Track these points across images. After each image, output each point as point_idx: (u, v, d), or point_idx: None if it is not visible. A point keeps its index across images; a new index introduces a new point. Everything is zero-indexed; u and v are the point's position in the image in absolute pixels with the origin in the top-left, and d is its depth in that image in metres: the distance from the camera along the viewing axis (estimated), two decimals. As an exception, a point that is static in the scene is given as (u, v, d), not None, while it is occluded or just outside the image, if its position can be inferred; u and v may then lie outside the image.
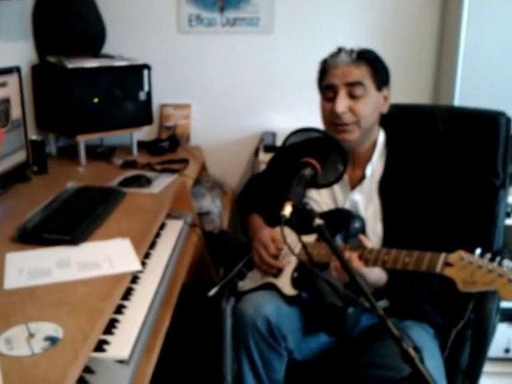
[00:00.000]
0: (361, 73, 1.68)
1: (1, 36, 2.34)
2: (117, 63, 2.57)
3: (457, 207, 1.75)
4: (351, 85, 1.67)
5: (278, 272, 1.75)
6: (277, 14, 2.86)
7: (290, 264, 1.74)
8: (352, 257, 1.50)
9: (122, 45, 2.85)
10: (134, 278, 1.62)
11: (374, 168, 1.77)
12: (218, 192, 2.71)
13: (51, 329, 1.16)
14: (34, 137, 2.32)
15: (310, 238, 1.72)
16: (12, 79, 2.10)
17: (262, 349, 1.64)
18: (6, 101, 2.05)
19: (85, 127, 2.49)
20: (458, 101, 2.50)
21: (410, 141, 1.83)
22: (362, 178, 1.77)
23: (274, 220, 1.80)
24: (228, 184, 2.99)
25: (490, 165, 1.85)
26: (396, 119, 1.91)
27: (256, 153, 2.91)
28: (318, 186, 1.42)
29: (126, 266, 1.49)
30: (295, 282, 1.69)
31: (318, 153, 1.36)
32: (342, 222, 1.68)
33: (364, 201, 1.76)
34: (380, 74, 1.72)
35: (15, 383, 1.00)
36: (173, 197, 2.12)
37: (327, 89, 1.72)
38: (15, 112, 2.12)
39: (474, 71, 2.45)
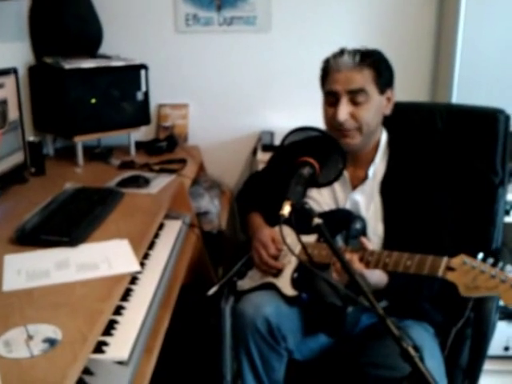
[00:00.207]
0: (363, 78, 1.66)
1: (-3, 37, 2.34)
2: (114, 63, 2.57)
3: (456, 205, 1.74)
4: (353, 92, 1.66)
5: (277, 272, 1.75)
6: (274, 13, 2.86)
7: (290, 264, 1.73)
8: (353, 259, 1.49)
9: (119, 45, 2.84)
10: (133, 279, 1.61)
11: (376, 168, 1.76)
12: (216, 192, 2.71)
13: (50, 330, 1.16)
14: (31, 138, 2.32)
15: (310, 238, 1.72)
16: (9, 80, 2.09)
17: (262, 349, 1.64)
18: (3, 102, 2.04)
19: (82, 128, 2.48)
20: (456, 98, 2.49)
21: (410, 140, 1.83)
22: (364, 178, 1.77)
23: (274, 219, 1.79)
24: (226, 184, 2.98)
25: (488, 162, 1.85)
26: (395, 117, 1.91)
27: (254, 152, 2.91)
28: (317, 185, 1.42)
29: (124, 267, 1.49)
30: (295, 283, 1.69)
31: (317, 152, 1.36)
32: (343, 222, 1.67)
33: (365, 201, 1.76)
34: (383, 76, 1.70)
35: (14, 385, 1.00)
36: (171, 197, 2.12)
37: (329, 94, 1.72)
38: (12, 113, 2.11)
39: (472, 68, 2.45)
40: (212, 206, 2.54)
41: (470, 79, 2.46)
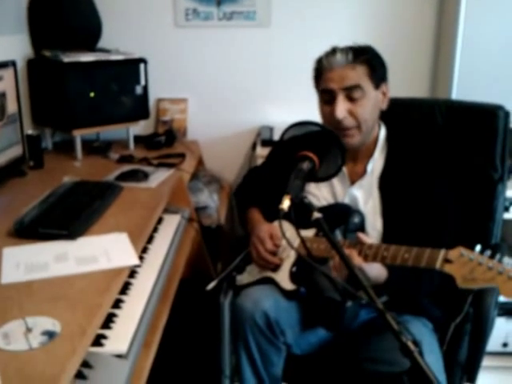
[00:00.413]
0: (357, 75, 1.65)
1: (-4, 30, 2.33)
2: (113, 57, 2.56)
3: (455, 201, 1.74)
4: (349, 88, 1.65)
5: (276, 267, 1.75)
6: (274, 8, 2.85)
7: (288, 258, 1.73)
8: (352, 253, 1.49)
9: (119, 39, 2.83)
10: (132, 273, 1.61)
11: (375, 163, 1.76)
12: (215, 186, 2.71)
13: (49, 323, 1.16)
14: (29, 131, 2.31)
15: (308, 233, 1.72)
16: (7, 73, 2.09)
17: (261, 343, 1.64)
18: (2, 95, 2.04)
19: (81, 122, 2.48)
20: (456, 94, 2.49)
21: (409, 136, 1.83)
22: (363, 173, 1.76)
23: (273, 214, 1.79)
24: (225, 178, 2.98)
25: (488, 159, 1.85)
26: (395, 113, 1.91)
27: (253, 147, 2.90)
28: (316, 180, 1.41)
29: (123, 261, 1.49)
30: (294, 277, 1.69)
31: (316, 146, 1.36)
32: (342, 216, 1.67)
33: (363, 196, 1.76)
34: (377, 71, 1.69)
35: (13, 378, 1.00)
36: (170, 191, 2.12)
37: (324, 92, 1.71)
38: (11, 106, 2.11)
39: (472, 65, 2.45)
40: (211, 200, 2.54)
41: (469, 75, 2.46)
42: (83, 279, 1.37)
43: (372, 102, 1.69)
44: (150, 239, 1.89)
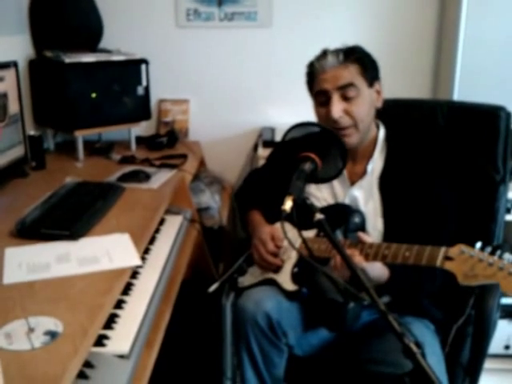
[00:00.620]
0: (350, 74, 1.66)
1: (-2, 30, 2.33)
2: (114, 58, 2.56)
3: (457, 202, 1.74)
4: (343, 88, 1.66)
5: (277, 268, 1.75)
6: (275, 8, 2.85)
7: (290, 259, 1.73)
8: (353, 253, 1.49)
9: (120, 39, 2.83)
10: (134, 273, 1.61)
11: (374, 164, 1.76)
12: (217, 187, 2.71)
13: (51, 323, 1.16)
14: (31, 132, 2.31)
15: (309, 234, 1.72)
16: (9, 74, 2.09)
17: (263, 344, 1.63)
18: (4, 95, 2.04)
19: (83, 122, 2.48)
20: (458, 95, 2.49)
21: (410, 136, 1.83)
22: (362, 173, 1.76)
23: (274, 216, 1.79)
24: (227, 179, 2.98)
25: (490, 160, 1.85)
26: (396, 114, 1.91)
27: (255, 148, 2.90)
28: (318, 181, 1.41)
29: (125, 261, 1.49)
30: (295, 278, 1.69)
31: (318, 147, 1.36)
32: (342, 216, 1.67)
33: (364, 196, 1.76)
34: (370, 70, 1.70)
35: (15, 378, 1.00)
36: (172, 192, 2.11)
37: (319, 94, 1.71)
38: (13, 107, 2.11)
39: (474, 65, 2.45)
40: (213, 201, 2.54)
41: (471, 76, 2.46)
42: (85, 280, 1.37)
43: (367, 100, 1.69)
44: (152, 240, 1.89)
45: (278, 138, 2.64)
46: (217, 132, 3.00)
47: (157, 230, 1.97)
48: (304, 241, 1.36)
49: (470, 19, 2.41)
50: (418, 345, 1.02)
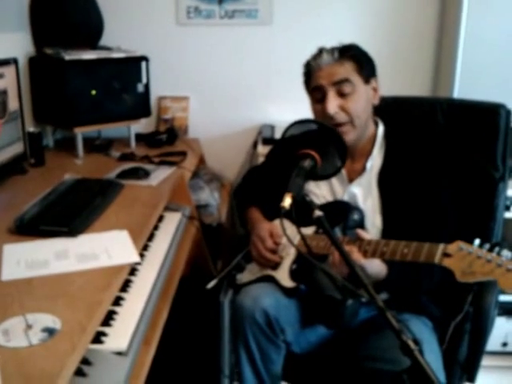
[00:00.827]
0: (346, 70, 1.67)
1: (-2, 27, 2.33)
2: (115, 55, 2.56)
3: (456, 200, 1.74)
4: (338, 83, 1.66)
5: (276, 265, 1.75)
6: (275, 6, 2.85)
7: (288, 256, 1.73)
8: (351, 249, 1.49)
9: (120, 37, 2.83)
10: (132, 270, 1.61)
11: (373, 161, 1.76)
12: (216, 185, 2.71)
13: (49, 320, 1.16)
14: (31, 129, 2.31)
15: (308, 231, 1.72)
16: (9, 71, 2.09)
17: (260, 341, 1.63)
18: (3, 92, 2.04)
19: (82, 119, 2.48)
20: (458, 93, 2.49)
21: (409, 133, 1.83)
22: (361, 171, 1.76)
23: (273, 213, 1.79)
24: (226, 176, 2.99)
25: (489, 157, 1.85)
26: (396, 112, 1.91)
27: (254, 145, 2.90)
28: (317, 178, 1.42)
29: (124, 258, 1.49)
30: (294, 274, 1.69)
31: (318, 144, 1.36)
32: (341, 213, 1.67)
33: (363, 193, 1.75)
34: (365, 67, 1.70)
35: (13, 374, 1.00)
36: (171, 189, 2.12)
37: (315, 90, 1.72)
38: (12, 104, 2.11)
39: (474, 63, 2.44)
40: (212, 198, 2.54)
41: (471, 74, 2.45)
42: (83, 276, 1.37)
43: (363, 96, 1.69)
44: (151, 237, 1.89)
45: (278, 135, 2.64)
46: (216, 129, 3.00)
47: (155, 227, 1.97)
48: (303, 237, 1.36)
49: (470, 17, 2.41)
50: (416, 342, 1.03)
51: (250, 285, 1.73)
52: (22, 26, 2.57)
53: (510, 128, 1.84)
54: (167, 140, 2.74)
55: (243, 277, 1.83)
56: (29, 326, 1.14)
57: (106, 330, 1.32)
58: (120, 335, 1.31)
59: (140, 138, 2.76)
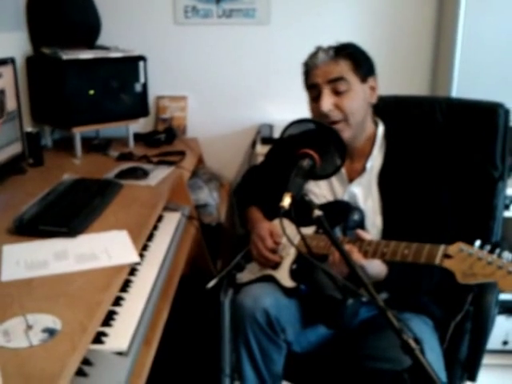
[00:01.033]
0: (341, 69, 1.67)
1: (-5, 27, 2.33)
2: (112, 55, 2.56)
3: (455, 199, 1.74)
4: (333, 81, 1.66)
5: (276, 264, 1.75)
6: (273, 6, 2.85)
7: (288, 256, 1.73)
8: (352, 249, 1.49)
9: (118, 36, 2.83)
10: (132, 270, 1.61)
11: (374, 161, 1.76)
12: (215, 184, 2.71)
13: (49, 321, 1.16)
14: (29, 129, 2.31)
15: (308, 231, 1.71)
16: (6, 70, 2.08)
17: (261, 341, 1.63)
18: (1, 92, 2.03)
19: (80, 119, 2.47)
20: (456, 92, 2.49)
21: (409, 133, 1.82)
22: (361, 171, 1.76)
23: (273, 212, 1.79)
24: (225, 176, 2.99)
25: (488, 157, 1.85)
26: (395, 111, 1.91)
27: (253, 145, 2.90)
28: (317, 178, 1.41)
29: (123, 258, 1.48)
30: (294, 274, 1.68)
31: (317, 144, 1.36)
32: (341, 213, 1.67)
33: (363, 193, 1.75)
34: (362, 66, 1.70)
35: (13, 375, 0.99)
36: (170, 189, 2.11)
37: (311, 88, 1.72)
38: (10, 104, 2.10)
39: (472, 62, 2.44)
40: (211, 198, 2.54)
41: (470, 73, 2.46)
42: (83, 277, 1.37)
43: (359, 95, 1.69)
44: (150, 237, 1.89)
45: (277, 134, 2.64)
46: (215, 129, 3.00)
47: (155, 227, 1.97)
48: (302, 237, 1.36)
49: (468, 16, 2.41)
50: (417, 341, 1.02)
51: (251, 284, 1.73)
52: (20, 26, 2.56)
53: (509, 127, 1.84)
54: (166, 140, 2.74)
55: (243, 276, 1.83)
56: (29, 327, 1.13)
57: (106, 330, 1.31)
58: (120, 335, 1.31)
59: (138, 137, 2.75)
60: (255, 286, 1.71)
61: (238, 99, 2.97)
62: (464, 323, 1.75)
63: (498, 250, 1.30)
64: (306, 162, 1.32)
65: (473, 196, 1.85)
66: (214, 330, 1.79)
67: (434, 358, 1.53)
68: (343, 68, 1.67)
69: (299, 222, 1.27)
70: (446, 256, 1.36)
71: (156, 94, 2.95)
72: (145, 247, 1.79)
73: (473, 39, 2.43)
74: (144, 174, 2.18)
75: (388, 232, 1.68)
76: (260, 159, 2.44)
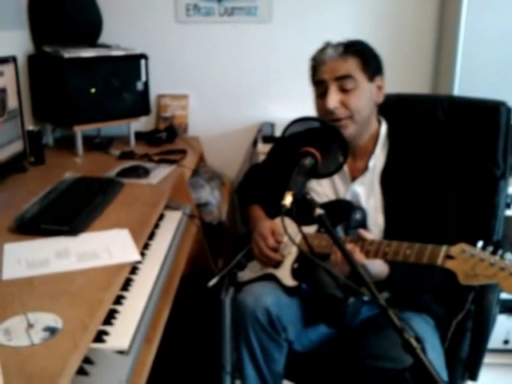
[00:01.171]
0: (349, 66, 1.66)
1: (-3, 25, 2.33)
2: (114, 53, 2.56)
3: (457, 197, 1.74)
4: (341, 78, 1.66)
5: (277, 263, 1.74)
6: (275, 4, 2.84)
7: (290, 255, 1.73)
8: (353, 249, 1.49)
9: (119, 34, 2.83)
10: (133, 269, 1.61)
11: (376, 160, 1.75)
12: (216, 183, 2.70)
13: (50, 319, 1.15)
14: (30, 127, 2.30)
15: (310, 229, 1.71)
16: (8, 69, 2.08)
17: (262, 340, 1.63)
18: (2, 91, 2.03)
19: (82, 118, 2.47)
20: (458, 90, 2.48)
21: (410, 131, 1.82)
22: (364, 169, 1.76)
23: (274, 211, 1.79)
24: (226, 175, 2.99)
25: (490, 155, 1.85)
26: (397, 109, 1.90)
27: (254, 143, 2.90)
28: (319, 176, 1.41)
29: (125, 257, 1.48)
30: (295, 273, 1.68)
31: (318, 142, 1.35)
32: (343, 212, 1.67)
33: (365, 192, 1.75)
34: (370, 64, 1.70)
35: (14, 374, 0.99)
36: (171, 187, 2.11)
37: (318, 84, 1.72)
38: (11, 102, 2.10)
39: (474, 60, 2.44)
40: (212, 197, 2.54)
41: (472, 71, 2.45)
42: (84, 275, 1.37)
43: (365, 93, 1.69)
44: (152, 235, 1.89)
45: (278, 133, 2.64)
46: (216, 127, 3.00)
47: (156, 226, 1.97)
48: (304, 236, 1.36)
49: (470, 14, 2.40)
50: (418, 340, 1.02)
51: (252, 283, 1.73)
52: (21, 24, 2.56)
53: (511, 125, 1.84)
54: (167, 138, 2.74)
55: (244, 275, 1.83)
56: (30, 325, 1.13)
57: (107, 328, 1.31)
58: (122, 334, 1.31)
59: (140, 136, 2.75)
60: (256, 285, 1.71)
61: (239, 97, 2.96)
62: (465, 322, 1.75)
63: (500, 251, 1.29)
64: (307, 161, 1.32)
65: (474, 194, 1.85)
66: (215, 328, 1.79)
67: (435, 356, 1.53)
68: (351, 66, 1.66)
69: (301, 221, 1.27)
70: (449, 257, 1.36)
71: (157, 92, 2.95)
72: (146, 246, 1.79)
73: (475, 37, 2.42)
74: (145, 172, 2.18)
75: (390, 231, 1.68)
76: (261, 158, 2.44)
